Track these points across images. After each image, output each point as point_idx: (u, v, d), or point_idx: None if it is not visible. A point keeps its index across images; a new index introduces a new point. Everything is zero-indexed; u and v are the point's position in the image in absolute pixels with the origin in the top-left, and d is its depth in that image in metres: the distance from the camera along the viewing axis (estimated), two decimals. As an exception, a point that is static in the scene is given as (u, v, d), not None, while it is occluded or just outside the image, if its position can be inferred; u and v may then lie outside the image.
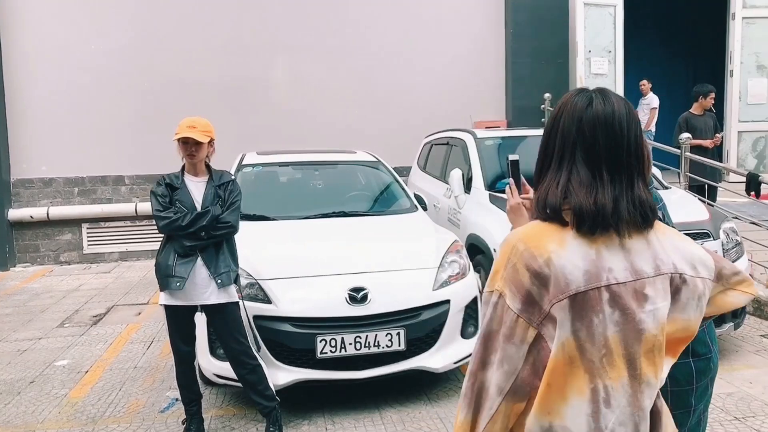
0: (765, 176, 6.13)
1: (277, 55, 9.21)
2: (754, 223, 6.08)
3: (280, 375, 3.59)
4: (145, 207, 8.34)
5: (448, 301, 3.87)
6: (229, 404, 3.94)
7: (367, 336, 3.61)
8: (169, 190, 3.29)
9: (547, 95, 9.22)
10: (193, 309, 3.33)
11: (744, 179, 6.07)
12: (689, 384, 1.91)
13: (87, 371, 4.55)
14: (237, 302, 3.37)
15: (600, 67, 9.45)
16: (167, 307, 3.30)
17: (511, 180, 1.74)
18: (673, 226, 1.74)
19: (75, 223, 8.64)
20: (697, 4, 12.35)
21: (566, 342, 1.21)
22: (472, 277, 4.17)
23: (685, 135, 6.62)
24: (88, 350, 5.00)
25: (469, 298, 4.01)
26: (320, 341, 3.58)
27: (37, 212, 8.48)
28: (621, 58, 9.55)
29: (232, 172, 5.08)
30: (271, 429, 3.39)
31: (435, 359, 3.79)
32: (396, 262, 4.05)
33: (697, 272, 1.31)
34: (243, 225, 3.49)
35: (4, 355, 4.94)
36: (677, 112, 7.78)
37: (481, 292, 4.39)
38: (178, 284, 3.19)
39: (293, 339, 3.61)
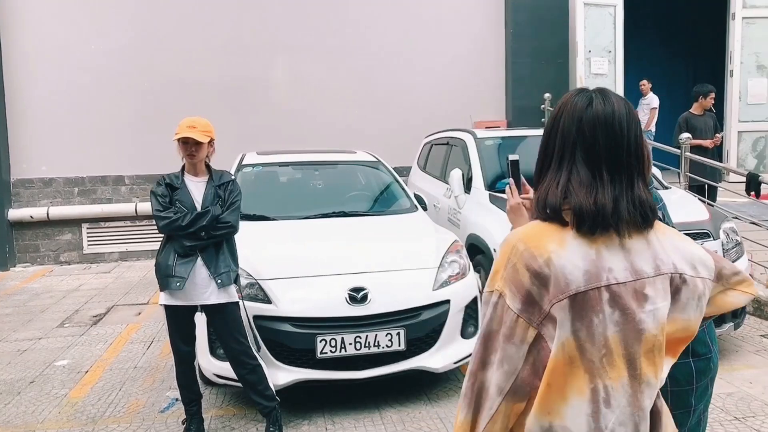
0: (765, 176, 6.13)
1: (277, 55, 9.21)
2: (754, 223, 6.08)
3: (280, 375, 3.59)
4: (145, 207, 8.34)
5: (448, 301, 3.87)
6: (229, 404, 3.94)
7: (367, 336, 3.61)
8: (169, 190, 3.29)
9: (547, 95, 9.22)
10: (193, 309, 3.33)
11: (744, 179, 6.08)
12: (689, 384, 1.91)
13: (87, 371, 4.55)
14: (237, 302, 3.37)
15: (600, 67, 9.45)
16: (167, 307, 3.30)
17: (511, 180, 1.74)
18: (673, 226, 1.74)
19: (75, 223, 8.64)
20: (697, 4, 12.35)
21: (566, 342, 1.21)
22: (472, 277, 4.18)
23: (685, 135, 6.62)
24: (88, 350, 5.00)
25: (469, 298, 4.01)
26: (320, 341, 3.58)
27: (37, 212, 8.48)
28: (621, 58, 9.55)
29: (232, 172, 5.08)
30: (271, 429, 3.39)
31: (435, 359, 3.79)
32: (396, 262, 4.05)
33: (697, 272, 1.31)
34: (243, 225, 3.49)
35: (4, 355, 4.94)
36: (677, 112, 7.78)
37: (481, 292, 4.40)
38: (178, 284, 3.19)
39: (293, 339, 3.61)
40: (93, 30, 8.65)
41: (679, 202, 5.14)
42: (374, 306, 3.67)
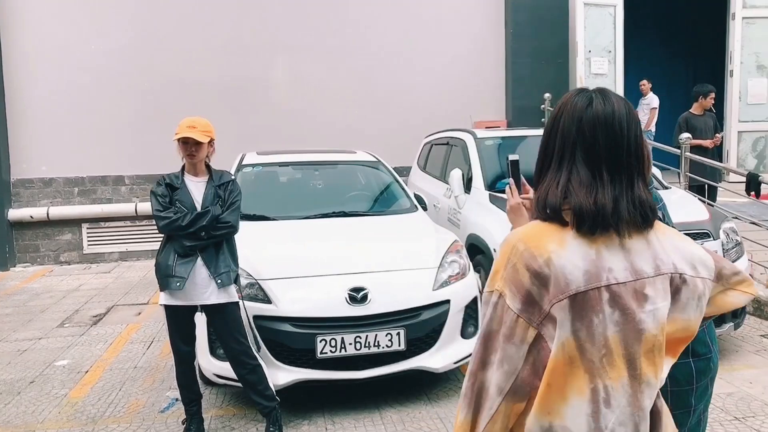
0: (765, 176, 6.13)
1: (277, 55, 9.21)
2: (754, 223, 6.08)
3: (280, 375, 3.59)
4: (145, 207, 8.34)
5: (448, 301, 3.87)
6: (229, 404, 3.94)
7: (367, 336, 3.61)
8: (169, 190, 3.29)
9: (547, 95, 9.22)
10: (193, 309, 3.33)
11: (744, 179, 6.08)
12: (689, 384, 1.91)
13: (87, 371, 4.55)
14: (237, 302, 3.37)
15: (600, 67, 9.46)
16: (167, 307, 3.30)
17: (511, 180, 1.74)
18: (673, 226, 1.74)
19: (75, 223, 8.64)
20: (697, 4, 12.35)
21: (566, 342, 1.21)
22: (472, 277, 4.17)
23: (685, 135, 6.62)
24: (88, 350, 5.00)
25: (469, 298, 4.01)
26: (320, 341, 3.58)
27: (37, 212, 8.48)
28: (621, 58, 9.55)
29: (232, 172, 5.08)
30: (271, 429, 3.39)
31: (435, 359, 3.79)
32: (396, 262, 4.05)
33: (697, 272, 1.31)
34: (243, 225, 3.49)
35: (4, 355, 4.94)
36: (677, 112, 7.78)
37: (481, 292, 4.40)
38: (177, 284, 3.19)
39: (293, 339, 3.61)
40: (93, 30, 8.65)
41: (679, 202, 5.14)
42: (374, 306, 3.67)
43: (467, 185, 5.64)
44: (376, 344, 3.63)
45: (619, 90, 9.29)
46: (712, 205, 6.05)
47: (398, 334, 3.66)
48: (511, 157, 1.76)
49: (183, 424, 3.51)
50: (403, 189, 5.39)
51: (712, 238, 4.52)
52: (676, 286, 1.28)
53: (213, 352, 3.70)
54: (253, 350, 3.43)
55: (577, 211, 1.25)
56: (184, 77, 8.83)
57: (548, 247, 1.24)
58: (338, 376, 3.64)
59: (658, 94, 10.47)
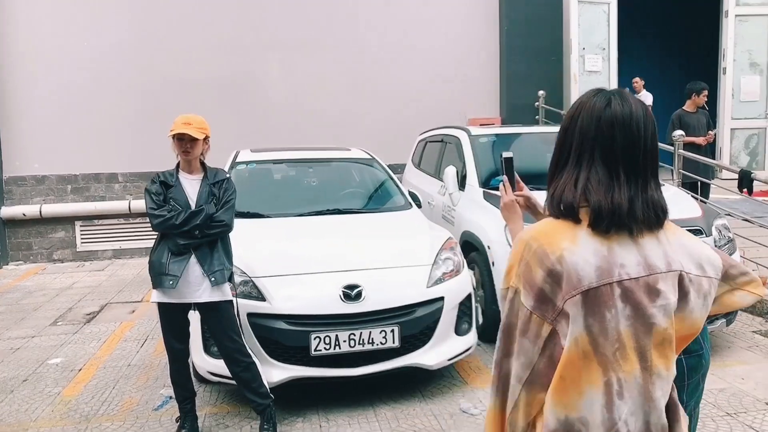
0: (757, 173, 6.16)
1: (275, 53, 9.18)
2: (746, 220, 6.11)
3: (274, 372, 3.59)
4: (139, 204, 8.31)
5: (442, 298, 3.88)
6: (223, 402, 3.94)
7: (361, 333, 3.62)
8: (163, 187, 3.28)
9: (541, 92, 9.23)
10: (186, 307, 3.32)
11: (737, 176, 6.11)
12: (681, 381, 1.91)
13: (80, 369, 4.54)
14: (231, 300, 3.37)
15: (594, 64, 9.48)
16: (160, 305, 3.29)
17: (505, 177, 1.74)
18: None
19: (68, 220, 8.61)
20: (691, 1, 12.39)
21: (579, 337, 1.24)
22: (466, 274, 4.18)
23: (678, 132, 6.65)
24: (81, 348, 4.99)
25: (463, 295, 4.01)
26: (314, 338, 3.58)
27: (30, 210, 8.45)
28: (615, 56, 9.58)
29: (226, 169, 5.06)
30: (266, 426, 3.39)
31: (429, 356, 3.80)
32: (390, 259, 4.05)
33: (704, 271, 1.33)
34: (237, 222, 3.48)
35: (-3, 353, 4.92)
36: (670, 109, 7.80)
37: (475, 290, 4.41)
38: (170, 282, 3.18)
39: (287, 336, 3.61)
40: (88, 28, 8.61)
41: (672, 199, 5.07)
42: (368, 303, 3.67)
43: (461, 182, 5.64)
44: (371, 341, 3.63)
45: (613, 87, 9.30)
46: (705, 202, 6.08)
47: (392, 331, 3.67)
48: (505, 154, 1.77)
49: (177, 421, 3.51)
50: (398, 186, 5.39)
51: (704, 235, 4.54)
52: (685, 284, 1.31)
53: (207, 349, 3.69)
54: (247, 348, 3.42)
55: (596, 209, 1.27)
56: (180, 75, 8.79)
57: (561, 245, 1.27)
58: (332, 373, 3.64)
59: (652, 91, 10.51)
